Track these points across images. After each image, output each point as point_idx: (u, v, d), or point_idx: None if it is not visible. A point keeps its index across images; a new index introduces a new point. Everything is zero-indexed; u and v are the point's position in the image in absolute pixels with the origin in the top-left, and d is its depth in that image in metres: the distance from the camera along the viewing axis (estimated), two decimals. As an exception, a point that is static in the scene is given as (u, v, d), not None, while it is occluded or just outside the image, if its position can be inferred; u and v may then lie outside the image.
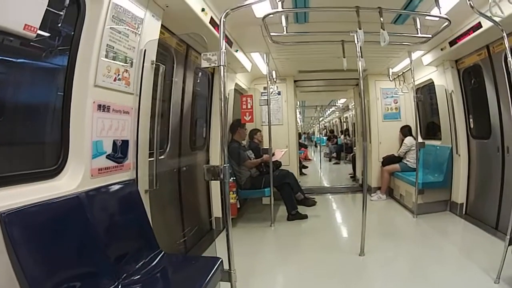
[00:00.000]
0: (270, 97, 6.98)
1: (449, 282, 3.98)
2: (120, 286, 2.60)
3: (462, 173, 6.56)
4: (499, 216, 5.54)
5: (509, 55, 3.79)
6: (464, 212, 6.58)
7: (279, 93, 9.10)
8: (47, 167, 2.63)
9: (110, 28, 2.94)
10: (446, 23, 4.43)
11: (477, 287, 3.80)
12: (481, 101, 5.92)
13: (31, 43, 2.43)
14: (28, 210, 2.14)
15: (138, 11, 3.31)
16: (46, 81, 2.81)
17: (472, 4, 3.70)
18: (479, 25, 4.81)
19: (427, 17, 4.81)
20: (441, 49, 6.12)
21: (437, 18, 4.56)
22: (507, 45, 3.85)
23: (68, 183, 2.64)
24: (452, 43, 5.69)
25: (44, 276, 2.08)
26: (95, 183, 2.84)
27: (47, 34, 2.56)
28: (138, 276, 2.82)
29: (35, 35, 2.20)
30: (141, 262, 2.97)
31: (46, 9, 2.25)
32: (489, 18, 3.88)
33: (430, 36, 4.88)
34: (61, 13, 2.56)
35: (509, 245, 3.73)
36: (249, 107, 7.06)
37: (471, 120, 6.48)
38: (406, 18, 5.02)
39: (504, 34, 3.85)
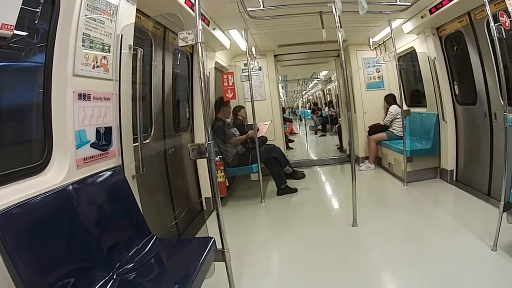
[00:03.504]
0: (251, 73, 6.95)
1: (445, 249, 4.01)
2: (115, 276, 2.60)
3: (450, 140, 6.62)
4: (490, 182, 5.61)
5: (492, 22, 3.78)
6: (454, 179, 6.66)
7: (260, 69, 9.09)
8: (33, 163, 2.60)
9: (86, 17, 2.88)
10: (426, -11, 4.41)
11: (474, 255, 3.81)
12: (465, 68, 5.93)
13: (10, 44, 2.39)
14: (17, 209, 2.11)
15: (112, -3, 3.25)
16: (27, 80, 2.77)
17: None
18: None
19: (406, -16, 4.80)
20: (421, 17, 6.09)
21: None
22: (489, 12, 3.84)
23: (55, 176, 2.61)
24: (432, 11, 5.66)
25: (39, 275, 2.06)
26: (81, 173, 2.82)
27: (25, 33, 2.52)
28: (132, 264, 2.82)
29: (11, 33, 2.16)
30: (134, 249, 2.97)
31: (23, 7, 2.22)
32: None
33: (410, 4, 4.88)
34: (37, 10, 2.51)
35: (503, 211, 3.77)
36: (230, 84, 7.02)
37: (455, 86, 6.50)
38: (384, -15, 4.99)
39: (486, 1, 3.83)
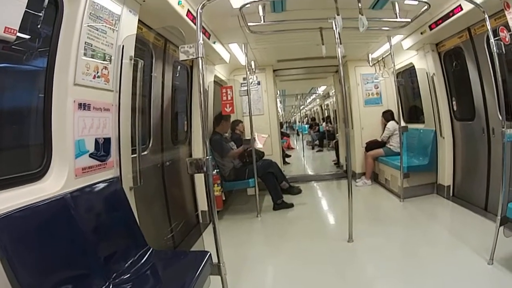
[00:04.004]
0: (250, 87, 6.95)
1: (442, 264, 3.99)
2: (111, 286, 2.59)
3: (447, 156, 6.63)
4: (487, 197, 5.60)
5: (491, 37, 3.81)
6: (451, 194, 6.66)
7: (258, 83, 9.11)
8: (32, 170, 2.60)
9: (88, 25, 2.89)
10: (426, 7, 4.45)
11: (471, 269, 3.81)
12: (464, 83, 5.96)
13: (12, 46, 2.39)
14: (16, 215, 2.11)
15: (115, 7, 3.26)
16: (27, 84, 2.75)
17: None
18: (459, 8, 4.81)
19: (406, 1, 4.81)
20: (421, 33, 6.14)
21: (416, 2, 4.58)
22: (489, 27, 3.86)
23: (53, 184, 2.60)
24: (432, 27, 5.70)
25: (37, 279, 2.07)
26: (79, 183, 2.81)
27: (27, 37, 2.51)
28: (128, 275, 2.81)
29: (14, 37, 2.17)
30: (130, 260, 2.96)
31: (26, 10, 2.22)
32: (470, 1, 3.90)
33: (410, 20, 4.90)
34: (40, 14, 2.51)
35: (500, 225, 3.78)
36: (229, 98, 7.02)
37: (454, 102, 6.53)
38: (384, 3, 5.00)
39: (486, 16, 3.86)
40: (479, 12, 3.90)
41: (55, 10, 2.70)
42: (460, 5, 4.76)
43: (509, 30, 4.08)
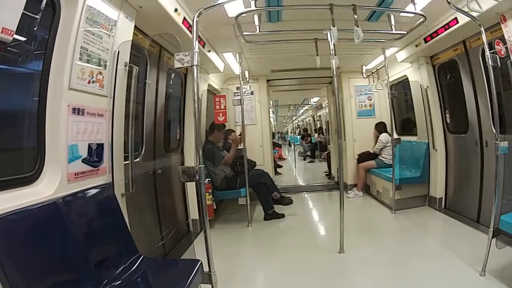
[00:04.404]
0: (243, 97, 6.97)
1: (433, 276, 4.00)
2: (102, 293, 2.56)
3: (440, 168, 6.68)
4: (480, 209, 5.64)
5: (487, 50, 3.86)
6: (443, 206, 6.69)
7: (252, 93, 9.13)
8: (25, 173, 2.58)
9: (84, 30, 2.89)
10: (421, 19, 4.50)
11: (463, 280, 3.83)
12: (458, 96, 6.02)
13: (8, 48, 2.37)
14: (8, 217, 2.10)
15: (112, 12, 3.27)
16: (22, 86, 2.74)
17: (448, 0, 3.74)
18: (455, 21, 4.87)
19: (402, 14, 4.87)
20: (416, 45, 6.20)
21: (412, 15, 4.62)
22: (485, 40, 3.91)
23: (46, 189, 2.58)
24: (427, 39, 5.76)
25: (29, 282, 2.06)
26: (72, 188, 2.78)
27: (23, 39, 2.50)
28: (119, 281, 2.78)
29: (11, 38, 2.15)
30: (121, 267, 2.94)
31: (23, 12, 2.21)
32: (466, 14, 3.94)
33: (405, 32, 4.94)
34: (37, 16, 2.50)
35: (493, 237, 3.79)
36: (222, 107, 7.04)
37: (447, 115, 6.58)
38: (380, 15, 5.08)
39: (482, 29, 3.91)
40: (475, 25, 3.94)
41: (52, 13, 2.70)
42: (456, 18, 4.82)
43: (504, 43, 4.12)
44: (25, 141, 2.74)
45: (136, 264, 3.07)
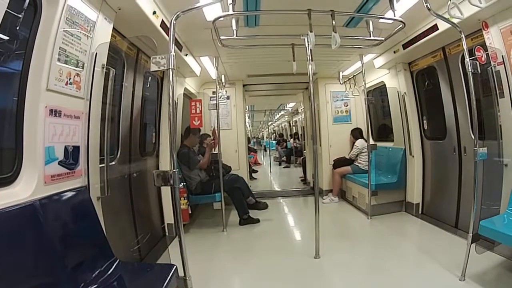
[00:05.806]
0: (219, 101, 6.95)
1: (412, 280, 4.05)
2: (79, 296, 2.53)
3: (417, 174, 6.76)
4: (458, 215, 5.73)
5: (467, 56, 3.92)
6: (420, 212, 6.78)
7: (228, 98, 9.15)
8: (4, 174, 2.54)
9: (64, 30, 2.86)
10: (400, 26, 4.53)
11: (442, 285, 3.87)
12: (436, 103, 6.12)
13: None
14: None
15: (91, 13, 3.23)
16: (3, 85, 2.72)
17: (429, 6, 3.78)
18: (435, 27, 4.94)
19: (381, 20, 4.93)
20: (394, 52, 6.30)
21: (391, 21, 4.67)
22: (465, 47, 3.96)
23: (23, 190, 2.54)
24: (406, 46, 5.85)
25: (4, 286, 2.02)
26: (48, 190, 2.74)
27: (5, 38, 2.47)
28: (96, 285, 2.76)
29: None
30: (98, 271, 2.91)
31: (6, 10, 2.17)
32: (447, 20, 3.99)
33: (383, 39, 4.97)
34: (20, 15, 2.47)
35: (472, 242, 3.85)
36: (198, 111, 7.01)
37: (424, 121, 6.69)
38: (359, 21, 5.11)
39: (463, 36, 3.96)
40: (455, 32, 3.99)
41: (33, 12, 2.66)
42: (436, 24, 4.89)
43: (485, 50, 4.20)
44: (5, 141, 2.69)
45: (112, 268, 3.05)
